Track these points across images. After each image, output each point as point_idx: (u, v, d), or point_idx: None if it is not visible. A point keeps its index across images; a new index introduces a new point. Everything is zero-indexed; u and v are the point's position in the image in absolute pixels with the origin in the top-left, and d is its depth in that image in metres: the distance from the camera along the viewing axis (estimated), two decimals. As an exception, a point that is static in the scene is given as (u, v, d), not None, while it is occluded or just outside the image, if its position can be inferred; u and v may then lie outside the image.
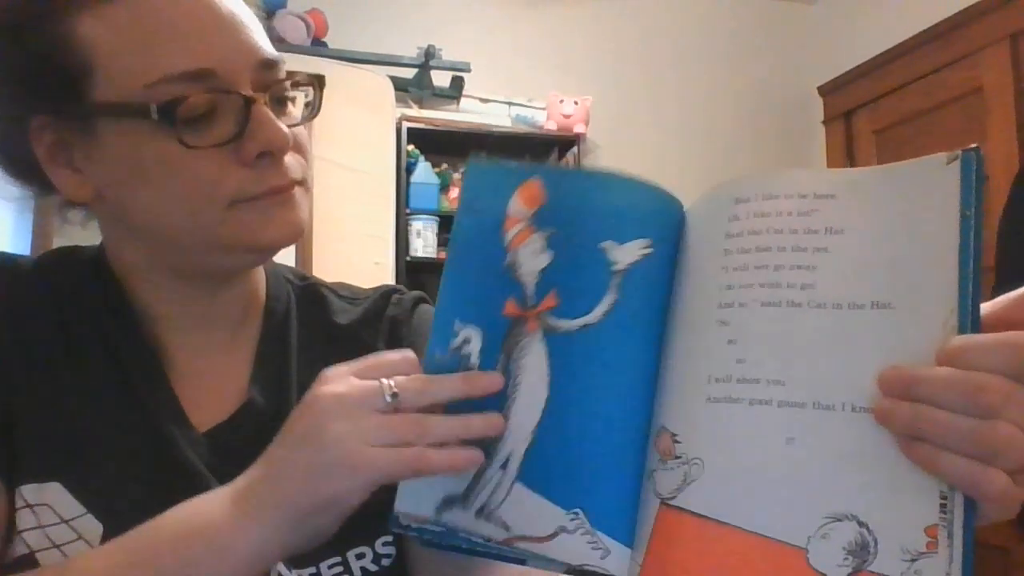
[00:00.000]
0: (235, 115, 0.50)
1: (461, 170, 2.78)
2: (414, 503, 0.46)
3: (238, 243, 0.53)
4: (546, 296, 0.45)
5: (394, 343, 0.63)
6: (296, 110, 0.57)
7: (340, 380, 0.44)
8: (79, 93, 0.50)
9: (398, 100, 2.61)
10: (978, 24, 2.21)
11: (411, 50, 2.67)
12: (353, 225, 2.40)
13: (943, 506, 0.34)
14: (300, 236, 0.55)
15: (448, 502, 0.46)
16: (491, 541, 0.44)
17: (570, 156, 2.79)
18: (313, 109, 0.58)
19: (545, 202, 0.46)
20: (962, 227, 0.37)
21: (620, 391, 0.44)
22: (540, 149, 2.85)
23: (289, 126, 0.54)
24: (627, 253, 0.45)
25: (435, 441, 0.43)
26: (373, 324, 0.65)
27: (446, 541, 0.46)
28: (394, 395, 0.43)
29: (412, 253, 2.58)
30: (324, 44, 2.60)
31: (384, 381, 0.43)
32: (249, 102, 0.51)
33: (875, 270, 0.38)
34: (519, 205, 0.46)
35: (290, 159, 0.54)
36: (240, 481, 0.44)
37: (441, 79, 2.74)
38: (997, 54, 2.16)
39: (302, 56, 2.41)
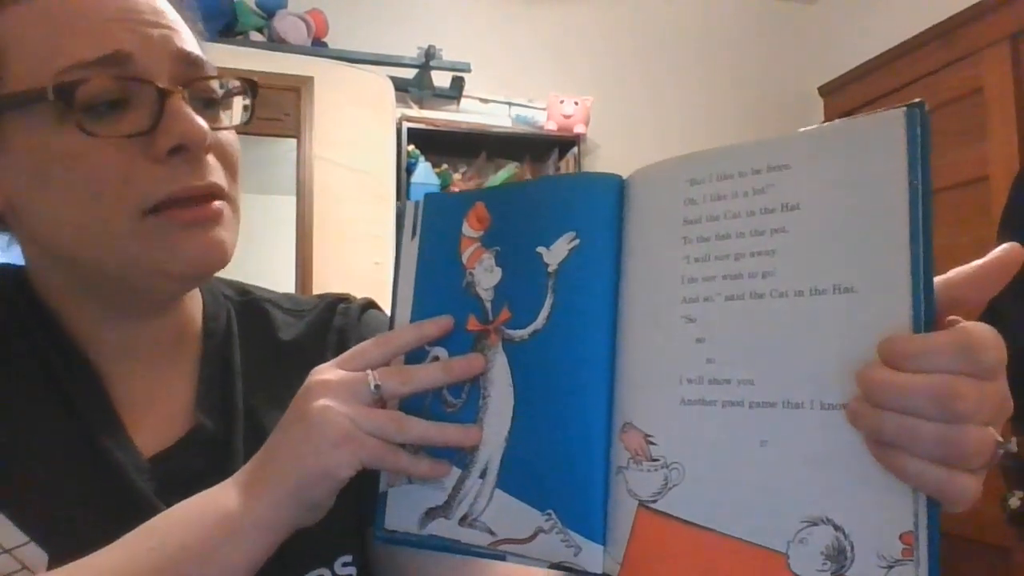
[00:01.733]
0: (149, 108, 0.48)
1: (462, 170, 2.78)
2: (397, 516, 0.49)
3: (152, 264, 0.50)
4: (501, 310, 0.48)
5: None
6: (231, 118, 0.55)
7: (328, 371, 0.47)
8: None
9: (398, 100, 2.61)
10: (978, 24, 2.20)
11: (411, 50, 2.67)
12: (353, 225, 2.40)
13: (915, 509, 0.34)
14: (224, 263, 0.52)
15: (430, 513, 0.48)
16: (477, 547, 0.46)
17: (570, 156, 2.79)
18: (248, 115, 0.56)
19: (491, 223, 0.49)
20: (911, 198, 0.35)
21: (574, 390, 0.44)
22: (540, 149, 2.85)
23: (214, 129, 0.51)
24: (556, 253, 0.46)
25: (411, 439, 0.47)
26: (319, 337, 0.63)
27: (431, 547, 0.48)
28: (378, 386, 0.46)
29: (411, 252, 2.58)
30: (324, 44, 2.60)
31: (370, 372, 0.46)
32: (164, 94, 0.48)
33: (834, 249, 0.37)
34: (469, 228, 0.50)
35: (213, 163, 0.51)
36: (243, 468, 0.47)
37: (441, 79, 2.74)
38: (997, 54, 2.15)
39: (302, 56, 2.42)
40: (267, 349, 0.62)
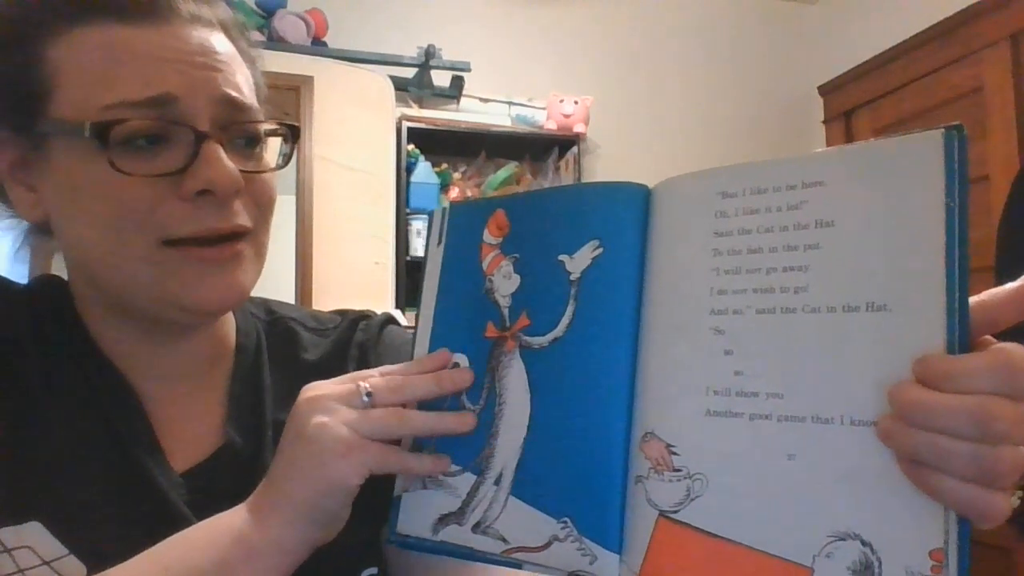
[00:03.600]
0: (185, 149, 0.49)
1: (461, 170, 2.78)
2: (410, 521, 0.49)
3: (167, 295, 0.51)
4: (519, 317, 0.48)
5: (363, 367, 0.62)
6: (270, 157, 0.55)
7: (319, 387, 0.48)
8: (39, 112, 0.50)
9: (398, 100, 2.61)
10: (978, 24, 2.21)
11: (411, 50, 2.66)
12: (353, 225, 2.40)
13: (945, 527, 0.34)
14: (239, 304, 0.53)
15: (444, 519, 0.48)
16: (490, 554, 0.46)
17: (570, 156, 2.79)
18: (285, 159, 0.57)
19: (510, 230, 0.50)
20: (947, 218, 0.35)
21: (594, 398, 0.44)
22: (540, 149, 2.85)
23: (251, 172, 0.52)
24: (579, 261, 0.46)
25: (413, 430, 0.47)
26: (343, 353, 0.64)
27: (443, 552, 0.48)
28: (369, 394, 0.46)
29: (412, 253, 2.57)
30: (324, 44, 2.60)
31: (360, 383, 0.47)
32: (201, 137, 0.49)
33: (868, 267, 0.37)
34: (489, 235, 0.50)
35: (240, 205, 0.52)
36: (255, 491, 0.47)
37: (441, 79, 2.74)
38: (997, 54, 2.16)
39: (302, 56, 2.41)
40: (294, 369, 0.62)
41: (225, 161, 0.50)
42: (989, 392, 0.32)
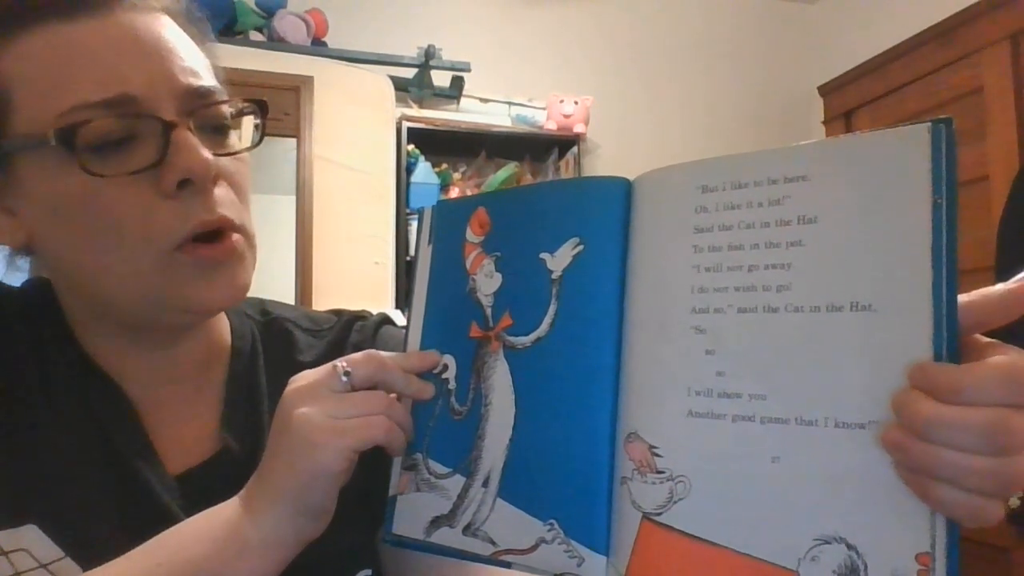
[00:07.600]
0: (155, 142, 0.48)
1: (461, 170, 2.78)
2: (404, 523, 0.49)
3: (172, 299, 0.50)
4: (502, 317, 0.48)
5: None
6: (242, 141, 0.54)
7: (304, 376, 0.48)
8: (0, 132, 0.48)
9: (398, 100, 2.60)
10: (978, 24, 2.20)
11: (411, 50, 2.66)
12: (353, 225, 2.39)
13: (932, 530, 0.33)
14: (241, 299, 0.54)
15: (436, 522, 0.48)
16: (480, 556, 0.46)
17: (570, 156, 2.78)
18: (258, 136, 0.55)
19: (491, 228, 0.49)
20: (934, 216, 0.34)
21: (578, 399, 0.44)
22: (540, 149, 2.84)
23: (225, 154, 0.51)
24: (560, 259, 0.46)
25: (396, 385, 0.48)
26: (338, 354, 0.64)
27: (437, 552, 0.48)
28: (347, 373, 0.46)
29: (412, 253, 2.58)
30: (324, 44, 2.59)
31: (338, 363, 0.47)
32: (169, 127, 0.48)
33: (852, 265, 0.36)
34: (472, 233, 0.50)
35: (221, 193, 0.51)
36: (246, 485, 0.47)
37: (441, 79, 2.73)
38: (997, 54, 2.15)
39: (302, 56, 2.41)
40: (290, 370, 0.62)
41: (198, 147, 0.49)
42: (1002, 404, 0.31)
